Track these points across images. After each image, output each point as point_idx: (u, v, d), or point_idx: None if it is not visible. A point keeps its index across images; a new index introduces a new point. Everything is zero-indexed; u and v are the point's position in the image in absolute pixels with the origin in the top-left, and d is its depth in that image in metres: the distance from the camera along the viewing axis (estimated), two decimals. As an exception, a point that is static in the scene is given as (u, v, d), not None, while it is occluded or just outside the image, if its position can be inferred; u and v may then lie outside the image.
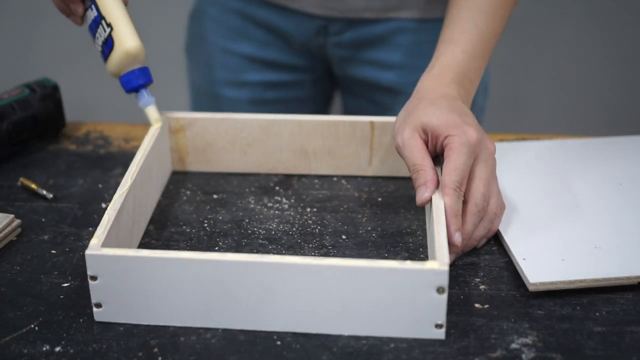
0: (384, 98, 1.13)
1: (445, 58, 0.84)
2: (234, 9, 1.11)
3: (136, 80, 0.86)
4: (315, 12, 1.06)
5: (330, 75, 1.19)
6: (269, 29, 1.11)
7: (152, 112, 0.87)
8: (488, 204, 0.77)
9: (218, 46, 1.14)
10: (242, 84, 1.15)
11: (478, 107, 1.21)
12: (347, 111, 1.20)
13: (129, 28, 0.85)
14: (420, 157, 0.77)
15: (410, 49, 1.08)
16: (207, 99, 1.18)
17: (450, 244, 0.73)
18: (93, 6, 0.85)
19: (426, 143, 0.78)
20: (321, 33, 1.09)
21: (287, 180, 0.90)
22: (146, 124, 1.02)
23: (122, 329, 0.69)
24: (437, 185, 0.76)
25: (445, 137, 0.76)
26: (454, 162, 0.74)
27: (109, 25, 0.84)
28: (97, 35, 0.86)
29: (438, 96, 0.80)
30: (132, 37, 0.85)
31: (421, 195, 0.76)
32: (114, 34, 0.84)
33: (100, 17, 0.85)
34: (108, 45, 0.85)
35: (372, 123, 0.87)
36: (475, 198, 0.76)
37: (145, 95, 0.87)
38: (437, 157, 0.79)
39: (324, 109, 1.24)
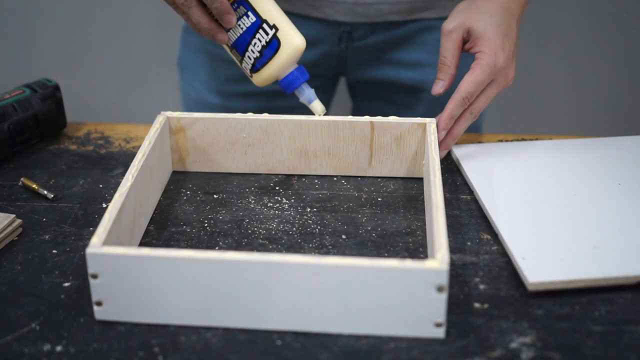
0: (404, 97, 1.12)
1: None
2: None
3: (299, 80, 0.88)
4: (341, 19, 1.05)
5: (335, 80, 1.17)
6: None
7: (317, 104, 0.89)
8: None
9: (224, 58, 1.11)
10: (250, 94, 1.13)
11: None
12: (359, 113, 1.19)
13: (292, 25, 0.87)
14: (451, 55, 0.90)
15: (434, 47, 1.07)
16: (207, 110, 1.14)
17: (440, 141, 0.89)
18: (250, 12, 0.86)
19: (465, 41, 0.90)
20: (344, 39, 1.08)
21: (287, 180, 0.91)
22: (147, 125, 1.03)
23: (122, 328, 0.69)
24: (452, 82, 0.90)
25: (479, 51, 0.88)
26: (475, 76, 0.87)
27: (272, 27, 0.86)
28: (253, 43, 0.87)
29: (502, 5, 0.91)
30: (298, 34, 0.87)
31: (437, 89, 0.91)
32: (280, 34, 0.86)
33: (260, 21, 0.86)
34: (271, 48, 0.86)
35: (372, 123, 0.88)
36: (474, 109, 0.89)
37: (306, 91, 0.89)
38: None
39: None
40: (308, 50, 1.09)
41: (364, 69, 1.12)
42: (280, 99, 1.14)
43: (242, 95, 1.13)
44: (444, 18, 1.06)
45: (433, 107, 1.09)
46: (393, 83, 1.12)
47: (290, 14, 1.06)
